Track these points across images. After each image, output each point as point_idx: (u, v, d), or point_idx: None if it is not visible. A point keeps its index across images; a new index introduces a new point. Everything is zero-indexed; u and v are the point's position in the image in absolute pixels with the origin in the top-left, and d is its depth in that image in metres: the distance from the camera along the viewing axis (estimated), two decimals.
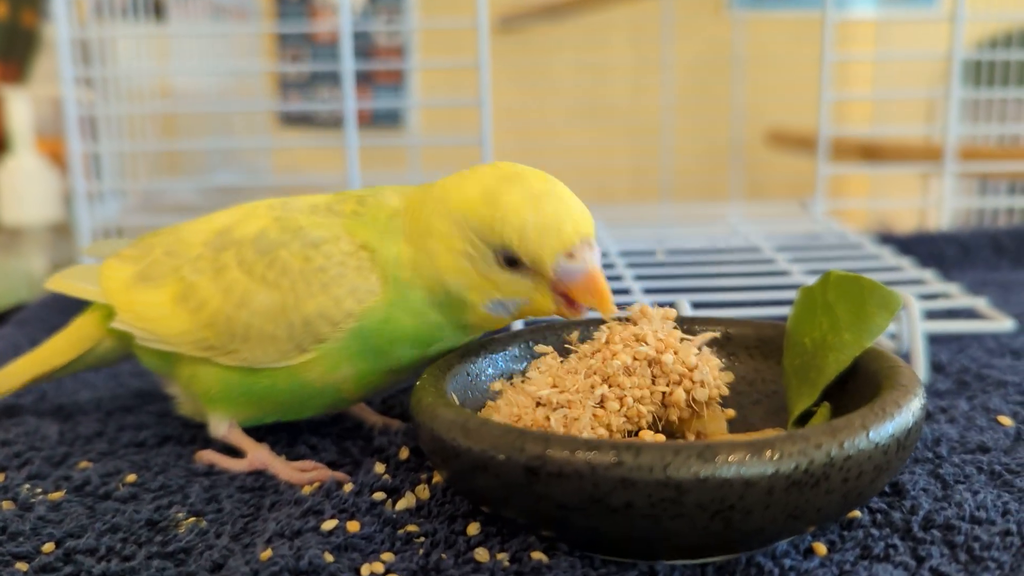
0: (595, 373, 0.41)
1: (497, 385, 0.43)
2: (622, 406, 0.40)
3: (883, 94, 1.64)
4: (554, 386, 0.40)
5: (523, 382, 0.41)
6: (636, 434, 0.41)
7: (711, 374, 0.41)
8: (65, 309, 0.64)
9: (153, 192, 1.10)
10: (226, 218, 0.49)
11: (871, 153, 1.38)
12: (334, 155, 0.86)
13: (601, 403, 0.40)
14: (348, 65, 0.83)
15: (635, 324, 0.43)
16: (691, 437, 0.43)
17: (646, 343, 0.41)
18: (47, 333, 0.56)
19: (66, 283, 0.53)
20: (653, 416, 0.41)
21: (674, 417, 0.41)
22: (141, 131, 1.10)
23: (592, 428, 0.39)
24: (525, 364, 0.46)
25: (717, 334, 0.47)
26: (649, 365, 0.41)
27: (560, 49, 1.72)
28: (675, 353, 0.41)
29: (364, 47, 1.91)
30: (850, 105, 1.83)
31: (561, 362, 0.42)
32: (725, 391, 0.42)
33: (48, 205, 1.44)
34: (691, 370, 0.41)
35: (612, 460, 0.32)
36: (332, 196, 0.48)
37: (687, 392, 0.41)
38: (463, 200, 0.43)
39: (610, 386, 0.40)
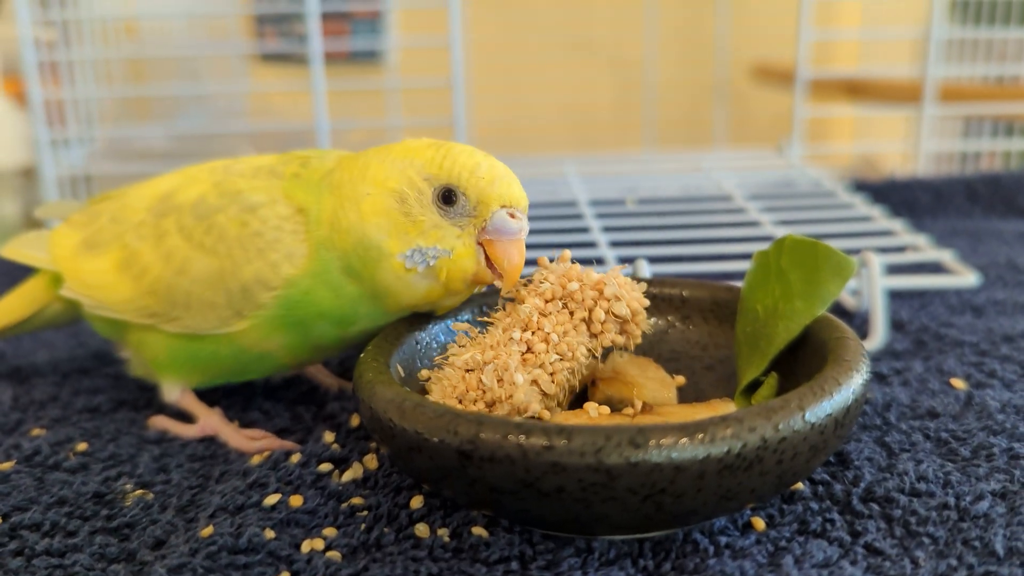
0: (512, 326, 0.41)
1: (425, 373, 0.43)
2: (549, 343, 0.40)
3: (868, 33, 1.61)
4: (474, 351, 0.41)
5: (446, 359, 0.42)
6: (581, 405, 0.41)
7: (623, 287, 0.42)
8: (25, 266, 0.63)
9: (121, 138, 1.08)
10: (170, 182, 0.48)
11: (855, 92, 1.36)
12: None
13: (529, 348, 0.40)
14: (313, 6, 0.81)
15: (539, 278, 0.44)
16: (639, 405, 0.43)
17: (548, 282, 0.42)
18: (5, 288, 0.56)
19: (17, 251, 0.53)
20: (589, 351, 0.42)
21: (607, 342, 0.42)
22: (107, 74, 1.07)
23: (527, 372, 0.39)
24: (479, 330, 0.46)
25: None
26: (564, 304, 0.42)
27: None
28: (579, 280, 0.42)
29: None
30: (837, 44, 1.79)
31: (480, 333, 0.43)
32: (645, 301, 0.43)
33: (17, 149, 1.41)
34: (601, 286, 0.42)
35: (543, 444, 0.32)
36: (278, 157, 0.47)
37: (606, 311, 0.42)
38: (409, 147, 0.43)
39: (532, 332, 0.41)
